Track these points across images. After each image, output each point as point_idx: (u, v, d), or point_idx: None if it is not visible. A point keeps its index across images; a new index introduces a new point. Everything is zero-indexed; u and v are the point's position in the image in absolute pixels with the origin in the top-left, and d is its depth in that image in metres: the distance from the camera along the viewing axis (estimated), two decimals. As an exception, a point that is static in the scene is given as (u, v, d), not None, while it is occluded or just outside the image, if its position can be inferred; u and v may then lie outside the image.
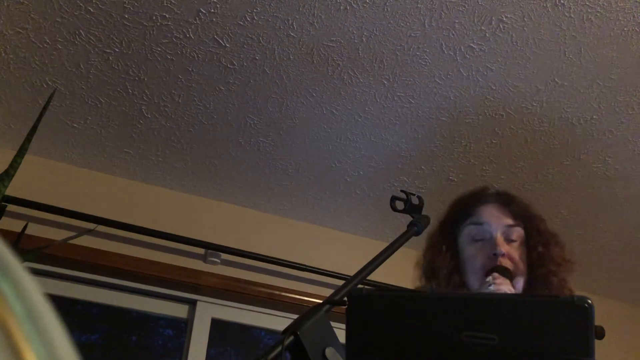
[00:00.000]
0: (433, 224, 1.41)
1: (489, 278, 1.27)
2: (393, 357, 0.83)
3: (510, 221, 1.37)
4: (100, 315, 2.51)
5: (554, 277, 1.34)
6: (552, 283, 1.33)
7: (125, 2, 1.80)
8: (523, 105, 2.16)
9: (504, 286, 1.25)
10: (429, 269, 1.41)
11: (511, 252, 1.33)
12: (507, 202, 1.41)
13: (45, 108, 1.70)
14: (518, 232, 1.37)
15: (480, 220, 1.37)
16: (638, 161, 2.42)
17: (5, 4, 1.80)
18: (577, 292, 1.31)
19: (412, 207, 1.23)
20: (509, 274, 1.29)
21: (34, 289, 0.30)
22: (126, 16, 1.84)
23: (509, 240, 1.35)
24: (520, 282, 1.32)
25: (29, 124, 1.75)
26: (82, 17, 1.84)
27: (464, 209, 1.42)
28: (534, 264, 1.35)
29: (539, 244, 1.37)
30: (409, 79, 2.06)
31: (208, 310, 2.55)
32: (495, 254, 1.31)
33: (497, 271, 1.29)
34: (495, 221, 1.36)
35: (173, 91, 2.13)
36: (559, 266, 1.36)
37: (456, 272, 1.37)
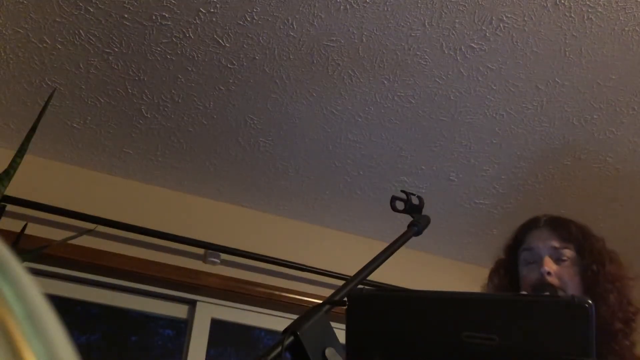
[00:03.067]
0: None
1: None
2: (393, 357, 0.83)
3: (557, 243, 1.44)
4: (100, 315, 2.51)
5: (610, 295, 1.37)
6: (609, 300, 1.36)
7: (125, 2, 1.80)
8: (523, 105, 2.16)
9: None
10: (491, 288, 1.53)
11: (560, 271, 1.40)
12: (556, 226, 1.49)
13: (44, 108, 1.70)
14: (568, 253, 1.43)
15: (530, 245, 1.47)
16: (638, 161, 2.42)
17: (5, 4, 1.80)
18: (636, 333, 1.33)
19: (412, 207, 1.23)
20: (553, 290, 1.36)
21: (34, 289, 0.30)
22: (126, 16, 1.84)
23: (558, 261, 1.42)
24: None
25: (29, 123, 1.75)
26: (82, 17, 1.84)
27: (519, 236, 1.52)
28: (589, 282, 1.40)
29: (593, 262, 1.43)
30: (409, 79, 2.06)
31: (208, 311, 2.55)
32: (541, 273, 1.39)
33: (541, 287, 1.37)
34: (542, 244, 1.44)
35: (173, 91, 2.13)
36: (614, 283, 1.41)
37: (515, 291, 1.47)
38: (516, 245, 1.51)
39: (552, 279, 1.38)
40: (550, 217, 1.54)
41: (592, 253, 1.45)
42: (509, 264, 1.52)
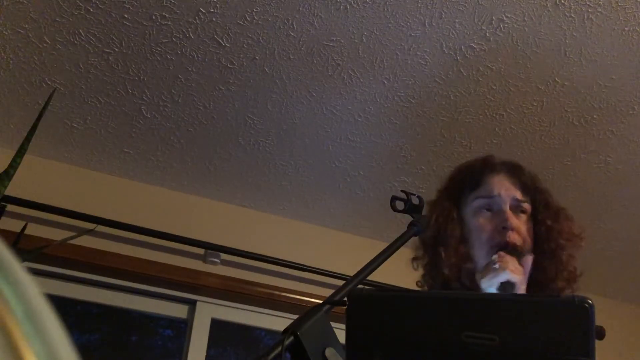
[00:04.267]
0: (434, 189, 1.40)
1: (495, 257, 1.22)
2: (393, 357, 0.83)
3: (519, 195, 1.31)
4: (100, 315, 2.51)
5: (562, 252, 1.28)
6: (561, 258, 1.28)
7: (125, 2, 1.80)
8: (523, 105, 2.16)
9: (510, 264, 1.20)
10: (440, 236, 1.32)
11: (520, 226, 1.28)
12: (516, 173, 1.36)
13: (44, 108, 1.70)
14: (526, 206, 1.32)
15: (490, 192, 1.31)
16: (638, 161, 2.42)
17: (5, 4, 1.80)
18: (578, 292, 1.31)
19: (412, 207, 1.23)
20: (516, 252, 1.24)
21: (34, 289, 0.29)
22: (126, 16, 1.84)
23: (517, 213, 1.29)
24: (528, 260, 1.26)
25: (29, 123, 1.75)
26: (82, 17, 1.84)
27: (472, 177, 1.36)
28: (542, 238, 1.30)
29: (548, 217, 1.32)
30: (409, 79, 2.06)
31: (208, 311, 2.55)
32: (504, 228, 1.26)
33: (505, 249, 1.24)
34: (505, 193, 1.30)
35: (173, 91, 2.13)
36: (567, 241, 1.31)
37: (463, 242, 1.30)
38: (464, 188, 1.35)
39: (514, 236, 1.25)
40: (506, 161, 1.40)
41: (547, 207, 1.33)
42: (457, 209, 1.34)
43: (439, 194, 1.40)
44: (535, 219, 1.32)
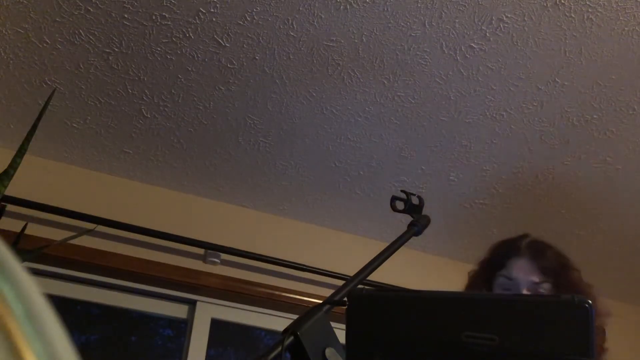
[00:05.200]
0: (474, 262, 1.62)
1: None
2: (393, 357, 0.83)
3: (536, 278, 1.46)
4: (100, 315, 2.51)
5: None
6: None
7: (125, 2, 1.80)
8: (523, 105, 2.16)
9: None
10: None
11: None
12: (536, 255, 1.50)
13: (44, 108, 1.70)
14: (546, 287, 1.46)
15: (509, 274, 1.49)
16: (638, 161, 2.42)
17: (5, 4, 1.80)
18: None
19: (412, 207, 1.23)
20: None
21: (34, 289, 0.29)
22: (126, 16, 1.84)
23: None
24: None
25: (29, 123, 1.75)
26: (82, 17, 1.84)
27: (499, 259, 1.54)
28: None
29: None
30: (409, 79, 2.06)
31: (208, 311, 2.55)
32: None
33: None
34: (523, 277, 1.47)
35: (173, 91, 2.13)
36: None
37: None
38: (494, 266, 1.53)
39: None
40: (531, 242, 1.55)
41: (568, 288, 1.49)
42: (487, 284, 1.54)
43: (477, 267, 1.61)
44: None
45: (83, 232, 2.05)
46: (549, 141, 2.33)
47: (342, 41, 1.92)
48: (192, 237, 2.52)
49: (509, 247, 1.55)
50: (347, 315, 0.83)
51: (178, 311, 2.54)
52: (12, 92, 2.13)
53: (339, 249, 2.83)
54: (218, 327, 2.57)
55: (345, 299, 0.89)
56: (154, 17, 1.84)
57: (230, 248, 2.57)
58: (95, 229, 2.25)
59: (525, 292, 1.44)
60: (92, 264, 2.34)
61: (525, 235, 1.58)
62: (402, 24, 1.86)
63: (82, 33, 1.90)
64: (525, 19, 1.83)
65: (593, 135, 2.29)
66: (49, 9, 1.81)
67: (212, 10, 1.82)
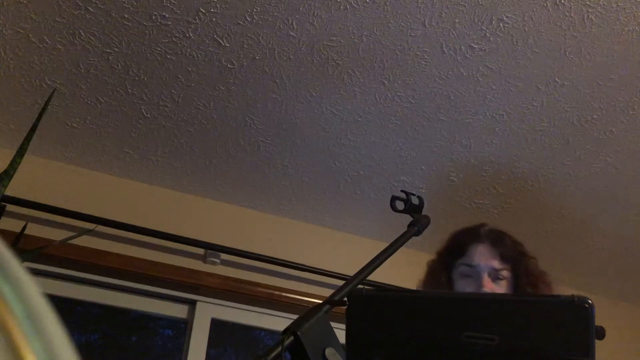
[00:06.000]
0: (433, 253, 1.63)
1: None
2: (393, 357, 0.83)
3: (497, 264, 1.51)
4: (100, 316, 2.51)
5: None
6: None
7: (124, 2, 1.80)
8: (523, 105, 2.16)
9: None
10: None
11: (496, 290, 1.48)
12: (496, 242, 1.55)
13: (44, 108, 1.70)
14: (505, 274, 1.51)
15: (471, 261, 1.52)
16: (638, 161, 2.42)
17: (5, 4, 1.80)
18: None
19: (412, 207, 1.23)
20: None
21: (34, 290, 0.29)
22: (126, 16, 1.84)
23: (495, 280, 1.49)
24: None
25: (29, 123, 1.75)
26: (82, 17, 1.84)
27: (458, 246, 1.57)
28: None
29: (528, 284, 1.51)
30: (409, 79, 2.06)
31: (208, 311, 2.55)
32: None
33: None
34: (484, 263, 1.51)
35: (173, 91, 2.13)
36: None
37: None
38: (454, 254, 1.56)
39: None
40: (490, 230, 1.60)
41: (527, 274, 1.52)
42: (447, 272, 1.56)
43: (436, 256, 1.62)
44: (516, 285, 1.51)
45: (83, 232, 2.05)
46: (549, 141, 2.33)
47: (342, 41, 1.92)
48: (192, 237, 2.52)
49: (468, 234, 1.58)
50: (347, 315, 0.83)
51: (178, 311, 2.54)
52: (12, 92, 2.13)
53: (338, 249, 2.83)
54: (218, 327, 2.57)
55: (345, 299, 0.89)
56: (154, 17, 1.84)
57: (230, 248, 2.57)
58: (95, 229, 2.25)
59: (486, 278, 1.48)
60: (92, 264, 2.34)
61: (483, 224, 1.62)
62: (402, 24, 1.86)
63: (82, 33, 1.90)
64: (525, 19, 1.83)
65: (593, 135, 2.29)
66: (49, 9, 1.81)
67: (212, 10, 1.82)
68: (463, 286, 1.50)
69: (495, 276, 1.49)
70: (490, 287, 1.47)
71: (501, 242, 1.55)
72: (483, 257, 1.51)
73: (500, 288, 1.48)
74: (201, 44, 1.93)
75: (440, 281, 1.55)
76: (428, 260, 1.62)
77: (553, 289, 1.54)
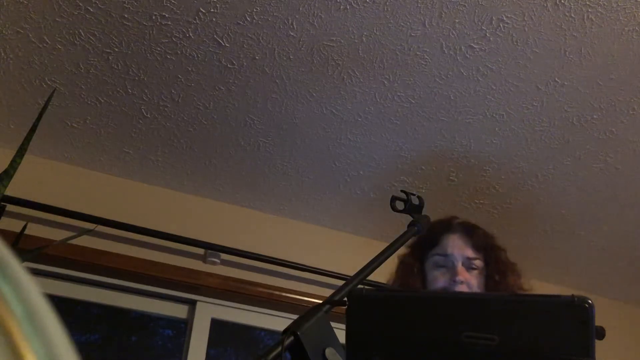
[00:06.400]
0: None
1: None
2: (393, 357, 0.83)
3: (471, 253, 1.54)
4: (100, 316, 2.51)
5: None
6: None
7: (124, 2, 1.80)
8: (523, 105, 2.16)
9: None
10: (402, 286, 1.58)
11: (470, 279, 1.50)
12: (469, 233, 1.58)
13: (44, 108, 1.70)
14: (478, 263, 1.54)
15: (444, 250, 1.55)
16: (638, 161, 2.42)
17: (5, 4, 1.80)
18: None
19: (412, 207, 1.23)
20: None
21: (34, 289, 0.29)
22: (126, 16, 1.84)
23: (469, 269, 1.52)
24: None
25: (29, 123, 1.75)
26: (82, 17, 1.84)
27: (431, 237, 1.58)
28: (490, 290, 1.52)
29: (496, 272, 1.54)
30: (409, 79, 2.06)
31: (208, 311, 2.55)
32: (454, 281, 1.49)
33: None
34: (458, 252, 1.54)
35: (173, 91, 2.13)
36: (512, 291, 1.52)
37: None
38: (427, 244, 1.58)
39: (463, 287, 1.48)
40: (462, 221, 1.63)
41: (497, 263, 1.56)
42: (419, 263, 1.59)
43: (408, 249, 1.64)
44: (486, 274, 1.55)
45: (83, 232, 2.05)
46: (549, 141, 2.33)
47: (342, 41, 1.92)
48: (192, 237, 2.52)
49: (440, 226, 1.60)
50: (347, 315, 0.83)
51: (178, 311, 2.54)
52: (12, 92, 2.13)
53: (338, 249, 2.83)
54: (218, 327, 2.57)
55: (345, 299, 0.89)
56: (154, 17, 1.84)
57: (230, 248, 2.57)
58: (95, 229, 2.25)
59: (461, 267, 1.51)
60: (92, 264, 2.34)
61: (454, 217, 1.65)
62: (402, 24, 1.86)
63: (82, 33, 1.90)
64: (525, 19, 1.83)
65: (593, 135, 2.29)
66: (49, 9, 1.81)
67: (212, 10, 1.82)
68: (436, 276, 1.53)
69: (468, 265, 1.52)
70: (464, 276, 1.50)
71: (473, 233, 1.59)
72: (456, 247, 1.54)
73: (474, 277, 1.51)
74: (201, 44, 1.93)
75: (412, 272, 1.57)
76: (399, 254, 1.62)
77: (522, 278, 1.58)
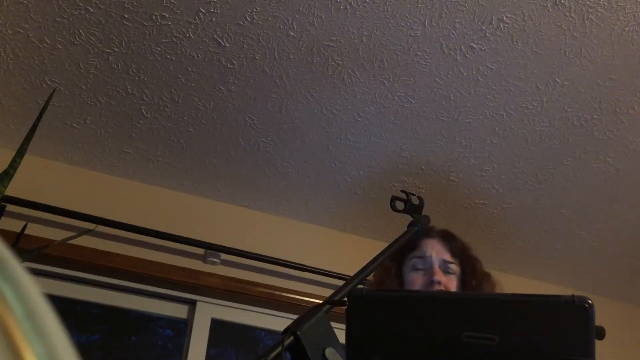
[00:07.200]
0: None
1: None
2: (393, 357, 0.83)
3: (448, 257, 1.57)
4: (100, 315, 2.51)
5: None
6: None
7: (125, 2, 1.80)
8: (523, 105, 2.16)
9: None
10: (379, 287, 1.60)
11: (447, 283, 1.53)
12: (447, 239, 1.61)
13: (44, 108, 1.70)
14: (454, 268, 1.56)
15: (423, 253, 1.57)
16: (638, 161, 2.42)
17: (5, 4, 1.80)
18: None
19: (412, 207, 1.23)
20: None
21: (34, 289, 0.30)
22: (126, 16, 1.84)
23: (446, 273, 1.54)
24: None
25: (29, 123, 1.75)
26: (82, 17, 1.84)
27: (409, 241, 1.58)
28: None
29: (473, 279, 1.58)
30: (409, 79, 2.06)
31: (208, 311, 2.55)
32: (432, 282, 1.51)
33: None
34: (435, 254, 1.56)
35: (173, 91, 2.13)
36: None
37: None
38: (405, 249, 1.59)
39: (439, 288, 1.50)
40: (441, 229, 1.66)
41: (473, 271, 1.59)
42: (396, 266, 1.60)
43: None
44: (463, 280, 1.58)
45: (83, 232, 2.05)
46: (549, 141, 2.33)
47: (342, 41, 1.92)
48: (192, 237, 2.52)
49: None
50: (347, 315, 0.83)
51: (178, 311, 2.54)
52: (12, 92, 2.13)
53: (338, 249, 2.83)
54: (218, 327, 2.57)
55: (345, 299, 0.89)
56: (154, 17, 1.84)
57: (230, 248, 2.57)
58: (95, 229, 2.25)
59: (437, 269, 1.53)
60: (92, 264, 2.34)
61: (434, 226, 1.67)
62: (402, 24, 1.86)
63: (82, 33, 1.90)
64: (525, 19, 1.83)
65: (593, 135, 2.29)
66: (49, 9, 1.81)
67: (212, 10, 1.82)
68: (414, 278, 1.55)
69: (445, 269, 1.54)
70: (441, 278, 1.51)
71: (451, 239, 1.62)
72: (434, 250, 1.57)
73: (451, 281, 1.53)
74: (201, 44, 1.93)
75: (389, 275, 1.59)
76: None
77: (497, 288, 1.61)
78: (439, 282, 1.50)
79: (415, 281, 1.54)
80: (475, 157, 2.42)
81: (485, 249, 2.77)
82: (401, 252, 1.60)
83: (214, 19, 1.85)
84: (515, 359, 0.76)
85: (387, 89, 2.10)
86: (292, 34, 1.89)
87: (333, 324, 0.89)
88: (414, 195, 1.27)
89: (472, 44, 1.92)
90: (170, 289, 2.50)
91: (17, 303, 0.28)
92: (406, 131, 2.29)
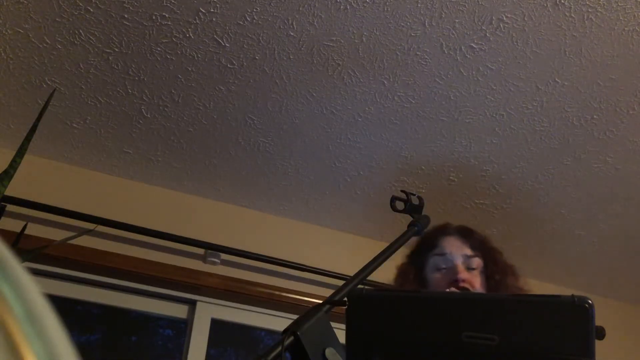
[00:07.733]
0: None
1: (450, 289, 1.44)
2: (393, 357, 0.83)
3: (469, 251, 1.54)
4: (100, 315, 2.51)
5: None
6: None
7: (124, 2, 1.80)
8: (523, 105, 2.16)
9: None
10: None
11: (471, 279, 1.49)
12: (466, 234, 1.59)
13: (44, 108, 1.70)
14: (477, 262, 1.53)
15: (443, 251, 1.54)
16: (638, 161, 2.42)
17: (5, 4, 1.80)
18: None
19: (412, 207, 1.23)
20: None
21: (34, 290, 0.29)
22: (126, 16, 1.84)
23: (469, 269, 1.51)
24: None
25: (29, 123, 1.75)
26: (82, 17, 1.84)
27: (428, 241, 1.58)
28: (491, 290, 1.51)
29: (496, 273, 1.54)
30: (409, 79, 2.06)
31: (208, 311, 2.55)
32: (456, 280, 1.47)
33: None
34: (456, 251, 1.53)
35: (173, 91, 2.13)
36: (512, 292, 1.51)
37: None
38: (426, 249, 1.58)
39: (466, 285, 1.47)
40: (458, 225, 1.64)
41: (496, 264, 1.56)
42: (417, 269, 1.58)
43: (405, 259, 1.64)
44: (486, 274, 1.54)
45: (83, 232, 2.05)
46: (549, 141, 2.33)
47: (342, 41, 1.92)
48: (192, 237, 2.52)
49: (436, 230, 1.60)
50: (347, 315, 0.83)
51: (178, 311, 2.54)
52: (12, 92, 2.13)
53: (338, 249, 2.82)
54: (218, 327, 2.57)
55: (345, 299, 0.89)
56: (154, 17, 1.84)
57: (230, 248, 2.57)
58: (95, 229, 2.25)
59: (460, 266, 1.50)
60: (92, 264, 2.34)
61: (449, 223, 1.66)
62: (402, 24, 1.86)
63: (82, 33, 1.90)
64: (525, 19, 1.83)
65: (593, 135, 2.29)
66: (49, 9, 1.81)
67: (212, 10, 1.82)
68: (437, 278, 1.51)
69: (468, 265, 1.51)
70: (465, 275, 1.48)
71: (470, 234, 1.60)
72: (455, 246, 1.54)
73: (474, 277, 1.50)
74: (201, 44, 1.93)
75: (408, 279, 1.56)
76: (397, 264, 1.62)
77: (520, 280, 1.58)
78: (463, 280, 1.47)
79: (439, 282, 1.51)
80: (475, 157, 2.42)
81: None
82: (420, 253, 1.59)
83: (214, 19, 1.85)
84: (515, 359, 0.76)
85: (387, 89, 2.10)
86: (292, 34, 1.89)
87: (333, 324, 0.89)
88: (414, 195, 1.27)
89: (472, 44, 1.92)
90: (170, 289, 2.50)
91: (17, 303, 0.28)
92: (406, 131, 2.29)
